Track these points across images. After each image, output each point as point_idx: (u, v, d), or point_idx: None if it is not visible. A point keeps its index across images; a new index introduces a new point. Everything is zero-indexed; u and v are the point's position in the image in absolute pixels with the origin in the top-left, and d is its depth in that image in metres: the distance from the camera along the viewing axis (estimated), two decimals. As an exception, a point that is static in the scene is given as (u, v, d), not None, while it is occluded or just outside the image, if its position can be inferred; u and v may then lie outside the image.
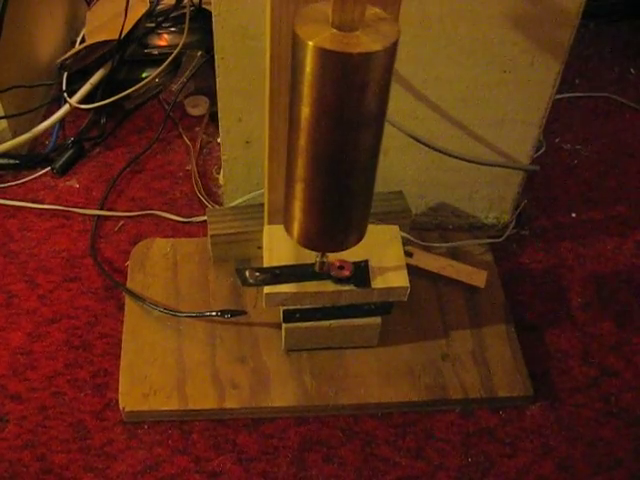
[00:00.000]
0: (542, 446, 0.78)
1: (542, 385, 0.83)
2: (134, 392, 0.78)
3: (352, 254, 0.71)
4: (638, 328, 0.89)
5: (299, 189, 0.61)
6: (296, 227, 0.65)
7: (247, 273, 0.73)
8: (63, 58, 1.11)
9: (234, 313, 0.83)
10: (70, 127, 1.11)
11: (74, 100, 1.07)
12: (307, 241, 0.66)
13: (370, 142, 0.58)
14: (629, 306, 0.92)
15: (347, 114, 0.55)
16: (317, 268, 0.72)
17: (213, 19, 0.75)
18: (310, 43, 0.51)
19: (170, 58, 1.11)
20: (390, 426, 0.79)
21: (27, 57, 1.09)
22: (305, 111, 0.55)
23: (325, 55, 0.51)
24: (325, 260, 0.71)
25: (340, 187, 0.61)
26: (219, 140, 0.93)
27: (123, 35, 1.06)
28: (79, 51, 1.11)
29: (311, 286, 0.73)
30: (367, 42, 0.51)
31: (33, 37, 1.10)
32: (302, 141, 0.58)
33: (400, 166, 0.90)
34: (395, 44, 0.52)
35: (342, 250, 0.68)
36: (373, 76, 0.53)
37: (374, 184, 0.64)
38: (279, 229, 0.77)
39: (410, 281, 0.74)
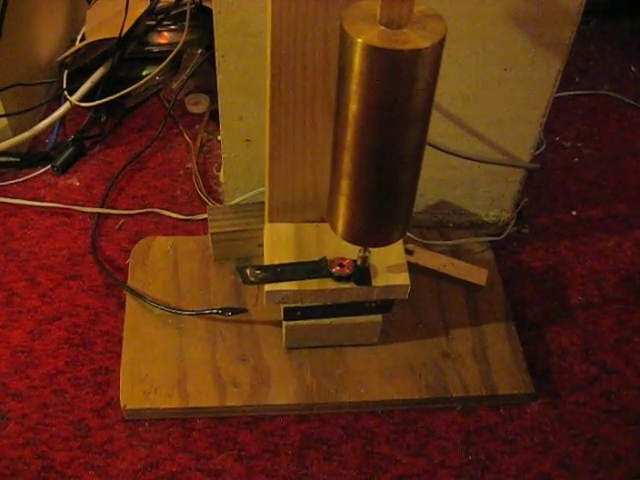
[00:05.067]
0: (542, 443, 0.78)
1: (542, 383, 0.83)
2: (135, 390, 0.78)
3: (353, 252, 0.71)
4: (638, 326, 0.89)
5: (345, 185, 0.61)
6: (341, 223, 0.65)
7: (248, 271, 0.73)
8: (63, 56, 1.11)
9: (235, 311, 0.83)
10: (70, 125, 1.11)
11: (74, 98, 1.07)
12: (352, 236, 0.66)
13: (417, 138, 0.58)
14: (629, 304, 0.92)
15: (395, 111, 0.55)
16: (359, 262, 0.72)
17: (214, 16, 0.75)
18: (359, 40, 0.51)
19: (170, 56, 1.11)
20: (391, 424, 0.79)
21: (27, 55, 1.09)
22: (353, 108, 0.55)
23: (375, 52, 0.51)
24: (367, 255, 0.71)
25: (386, 183, 0.60)
26: (220, 138, 0.93)
27: (123, 33, 1.06)
28: (79, 49, 1.11)
29: (312, 284, 0.73)
30: (416, 39, 0.51)
31: (33, 35, 1.10)
32: (349, 137, 0.58)
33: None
34: (443, 40, 0.52)
35: (386, 245, 0.67)
36: (422, 72, 0.53)
37: (418, 179, 0.64)
38: (280, 227, 0.77)
39: (411, 279, 0.74)
